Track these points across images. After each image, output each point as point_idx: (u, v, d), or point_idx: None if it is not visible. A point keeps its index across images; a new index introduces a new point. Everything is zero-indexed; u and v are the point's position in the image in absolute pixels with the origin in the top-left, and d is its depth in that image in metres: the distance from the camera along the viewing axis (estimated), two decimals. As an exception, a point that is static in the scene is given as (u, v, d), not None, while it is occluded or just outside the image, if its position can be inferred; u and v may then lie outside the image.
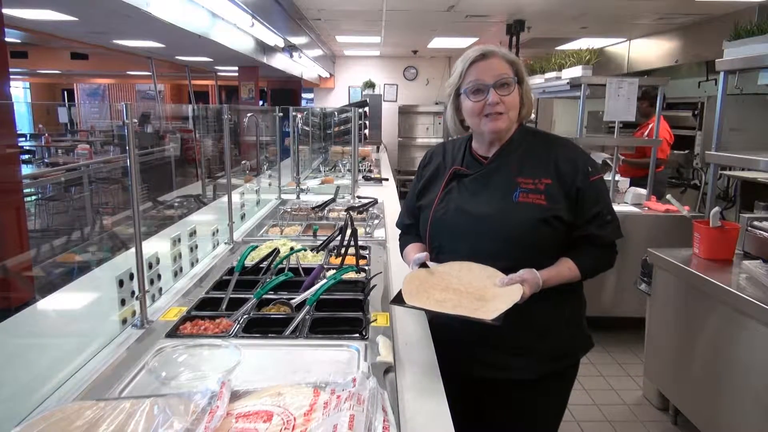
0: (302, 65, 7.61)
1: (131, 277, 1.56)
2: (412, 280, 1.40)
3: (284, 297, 1.69)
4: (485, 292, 1.32)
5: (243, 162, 3.82)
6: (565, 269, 1.43)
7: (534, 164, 1.45)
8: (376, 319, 1.57)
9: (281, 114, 3.81)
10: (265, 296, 1.67)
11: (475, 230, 1.44)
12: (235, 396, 1.08)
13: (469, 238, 1.45)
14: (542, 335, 1.48)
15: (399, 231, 1.78)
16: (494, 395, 1.55)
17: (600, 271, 1.50)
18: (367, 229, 2.74)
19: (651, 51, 6.28)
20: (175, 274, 1.95)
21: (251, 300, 1.63)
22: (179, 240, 1.98)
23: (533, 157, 1.47)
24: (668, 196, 3.73)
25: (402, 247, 1.71)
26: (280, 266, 1.95)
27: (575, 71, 4.22)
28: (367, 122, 8.09)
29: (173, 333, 1.47)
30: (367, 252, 2.29)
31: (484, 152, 1.53)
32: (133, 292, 1.57)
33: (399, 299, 1.35)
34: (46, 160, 9.34)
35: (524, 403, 1.53)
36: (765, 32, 2.67)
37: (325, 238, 2.31)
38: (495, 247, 1.42)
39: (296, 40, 5.67)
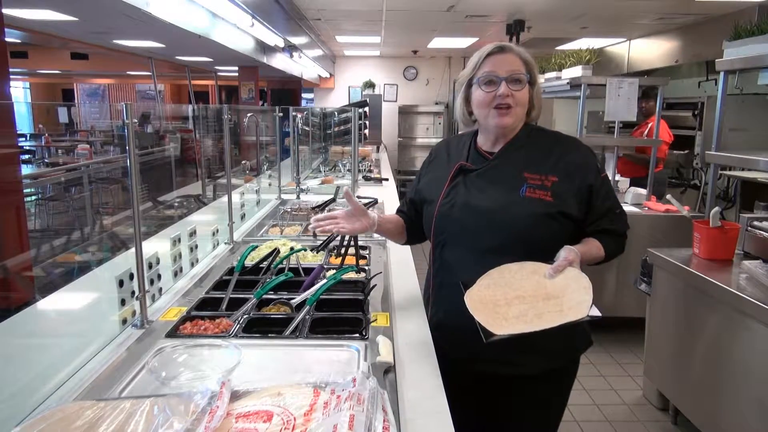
0: (302, 65, 7.60)
1: (131, 277, 1.55)
2: (477, 307, 1.31)
3: (284, 297, 1.69)
4: (548, 289, 1.31)
5: (243, 162, 3.82)
6: (594, 248, 1.47)
7: (540, 161, 1.47)
8: (376, 319, 1.57)
9: (281, 114, 3.81)
10: (265, 296, 1.67)
11: (481, 225, 1.45)
12: (235, 396, 1.08)
13: (475, 233, 1.46)
14: (545, 331, 1.47)
15: None
16: (496, 392, 1.55)
17: (615, 256, 1.55)
18: (367, 229, 2.74)
19: (651, 51, 6.27)
20: (175, 274, 1.95)
21: (251, 300, 1.63)
22: (179, 240, 1.98)
23: (539, 154, 1.48)
24: (668, 196, 3.73)
25: None
26: (280, 266, 1.95)
27: (575, 71, 4.22)
28: (367, 122, 8.08)
29: (173, 333, 1.47)
30: (367, 252, 2.30)
31: (489, 148, 1.54)
32: (133, 292, 1.57)
33: (487, 333, 1.25)
34: (46, 160, 9.35)
35: (526, 399, 1.54)
36: (765, 32, 2.67)
37: (325, 238, 2.30)
38: (500, 242, 1.43)
39: (296, 40, 5.66)
